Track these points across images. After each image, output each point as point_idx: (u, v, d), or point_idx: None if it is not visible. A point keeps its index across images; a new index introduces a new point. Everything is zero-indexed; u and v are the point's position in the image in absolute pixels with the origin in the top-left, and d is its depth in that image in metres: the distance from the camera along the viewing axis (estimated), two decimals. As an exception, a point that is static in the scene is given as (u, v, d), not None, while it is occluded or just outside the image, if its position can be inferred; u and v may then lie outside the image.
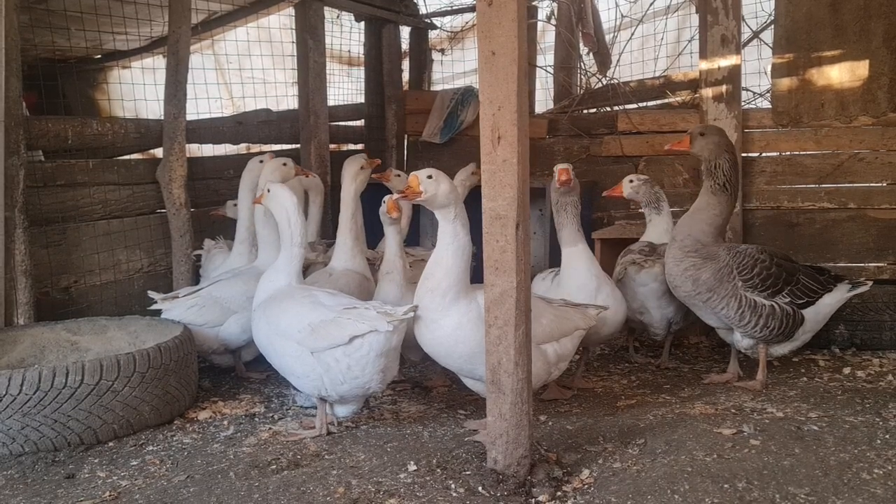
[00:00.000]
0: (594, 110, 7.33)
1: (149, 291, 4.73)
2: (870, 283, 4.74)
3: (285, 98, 7.67)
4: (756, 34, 7.27)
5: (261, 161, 5.08)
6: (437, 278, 3.58)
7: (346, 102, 7.85)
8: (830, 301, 4.63)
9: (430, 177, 3.59)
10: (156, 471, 3.47)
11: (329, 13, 7.29)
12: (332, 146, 6.99)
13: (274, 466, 3.46)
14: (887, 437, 3.65)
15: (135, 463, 3.56)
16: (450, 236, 3.58)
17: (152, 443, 3.79)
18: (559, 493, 3.17)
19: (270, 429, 3.95)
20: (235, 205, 5.33)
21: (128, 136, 5.48)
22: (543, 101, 8.11)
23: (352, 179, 4.94)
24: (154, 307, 4.68)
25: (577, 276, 4.45)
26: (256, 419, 4.13)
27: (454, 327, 3.59)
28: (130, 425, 3.84)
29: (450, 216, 3.59)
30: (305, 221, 4.60)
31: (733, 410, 4.10)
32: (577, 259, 4.48)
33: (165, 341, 4.03)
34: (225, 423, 4.06)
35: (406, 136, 7.70)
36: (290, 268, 4.05)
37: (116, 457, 3.63)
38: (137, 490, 3.27)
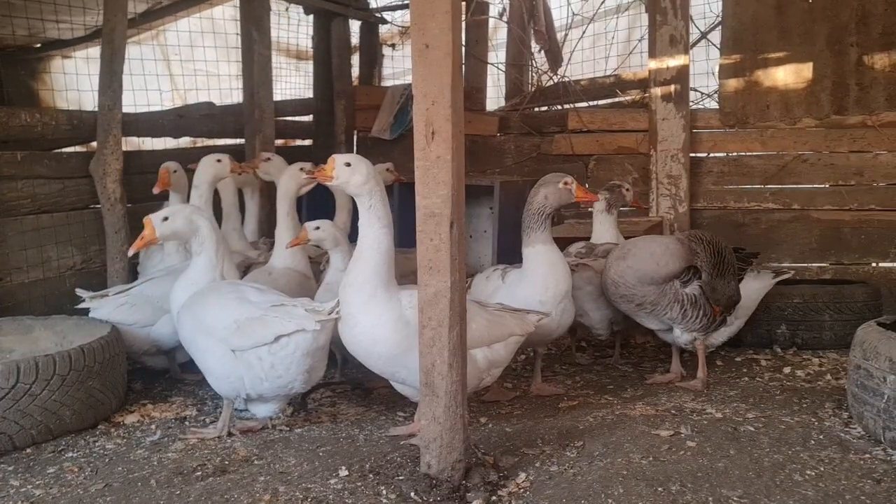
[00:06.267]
0: (545, 108, 7.30)
1: (77, 289, 4.55)
2: (791, 271, 5.16)
3: (232, 91, 7.48)
4: (704, 35, 7.32)
5: (218, 160, 4.89)
6: (353, 273, 3.49)
7: (294, 97, 7.68)
8: (756, 286, 4.94)
9: (347, 164, 3.49)
10: (73, 479, 3.30)
11: (277, 5, 7.14)
12: (278, 142, 6.84)
13: (199, 473, 3.32)
14: (821, 437, 3.66)
15: (52, 470, 3.39)
16: (365, 228, 3.48)
17: (72, 449, 3.62)
18: (494, 498, 3.09)
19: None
20: None
21: (59, 127, 5.25)
22: (495, 98, 8.04)
23: (289, 177, 4.81)
24: (82, 306, 4.49)
25: (553, 274, 4.21)
26: (187, 423, 3.98)
27: (372, 325, 3.45)
28: (50, 430, 3.66)
29: (365, 205, 3.49)
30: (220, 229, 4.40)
31: (673, 411, 4.08)
32: (553, 255, 4.23)
33: (89, 342, 3.86)
34: (153, 427, 3.91)
35: (356, 131, 7.58)
36: (211, 274, 3.91)
37: (33, 464, 3.46)
38: (51, 499, 3.11)
